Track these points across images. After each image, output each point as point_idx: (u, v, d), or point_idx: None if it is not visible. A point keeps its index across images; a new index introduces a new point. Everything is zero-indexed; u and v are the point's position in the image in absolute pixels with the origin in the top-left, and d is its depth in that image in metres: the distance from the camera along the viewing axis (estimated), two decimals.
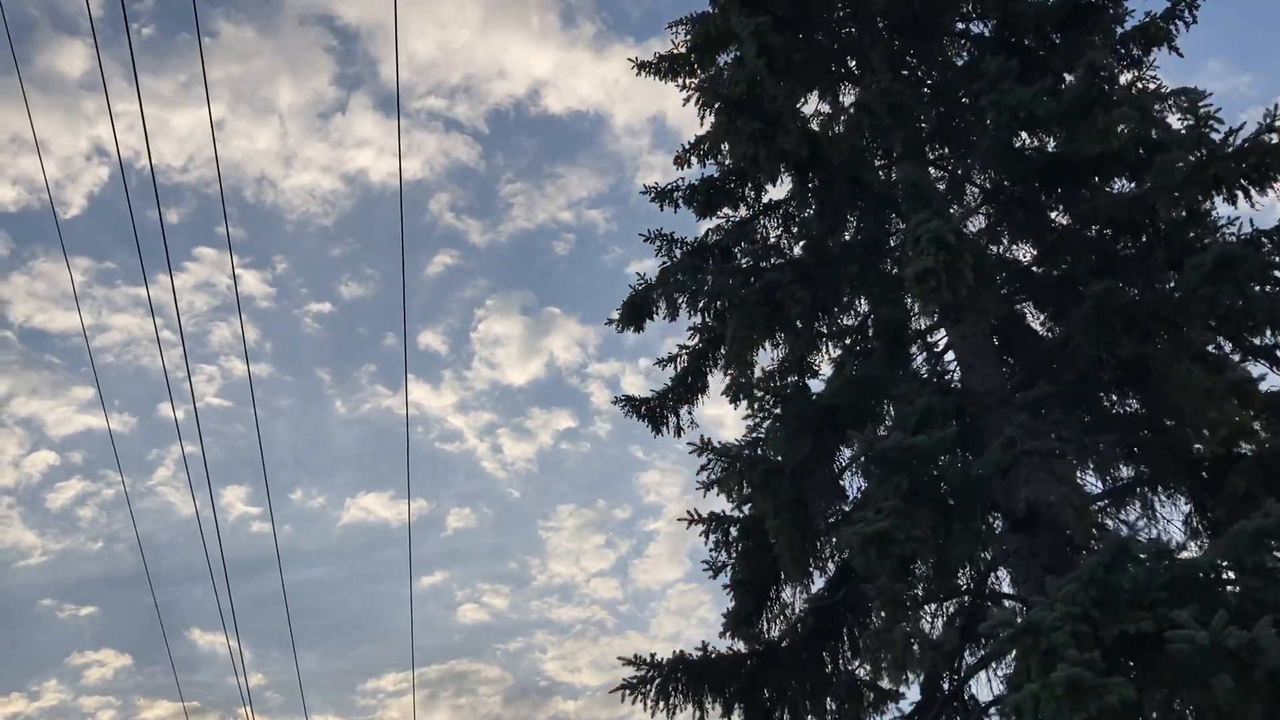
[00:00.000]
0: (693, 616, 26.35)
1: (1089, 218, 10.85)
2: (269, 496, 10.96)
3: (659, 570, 26.85)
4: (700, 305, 10.80)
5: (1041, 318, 11.18)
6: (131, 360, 25.00)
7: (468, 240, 27.33)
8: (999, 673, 9.42)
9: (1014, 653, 7.04)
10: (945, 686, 10.11)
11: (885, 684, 12.50)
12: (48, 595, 24.72)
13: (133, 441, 24.92)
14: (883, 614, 8.39)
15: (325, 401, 27.15)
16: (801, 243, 11.81)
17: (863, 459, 8.65)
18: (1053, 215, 11.81)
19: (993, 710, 9.57)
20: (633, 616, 26.76)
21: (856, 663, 12.02)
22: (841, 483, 10.31)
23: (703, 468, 10.07)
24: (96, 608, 25.04)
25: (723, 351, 13.95)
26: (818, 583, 12.32)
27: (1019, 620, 6.96)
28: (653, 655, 10.75)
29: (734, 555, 12.27)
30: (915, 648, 7.96)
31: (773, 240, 12.54)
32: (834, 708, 12.05)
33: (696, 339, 13.82)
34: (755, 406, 10.00)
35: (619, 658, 10.82)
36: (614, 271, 27.92)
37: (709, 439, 10.04)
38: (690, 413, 14.10)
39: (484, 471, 27.00)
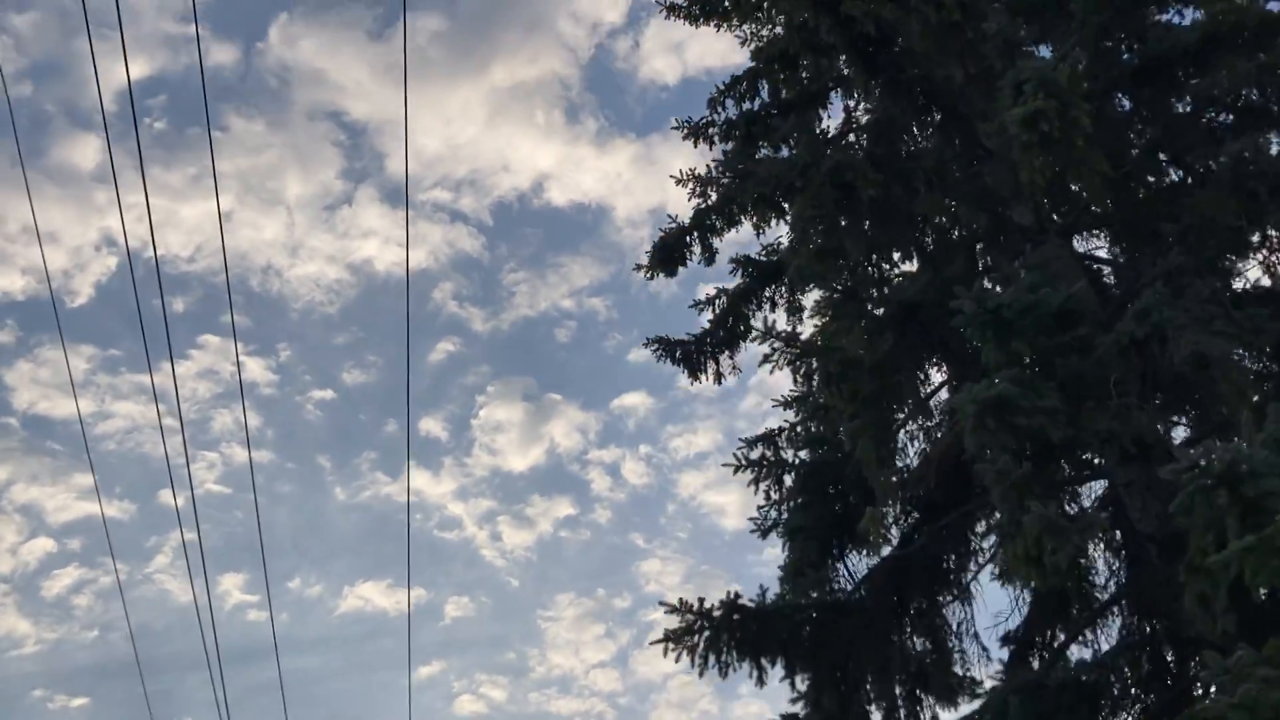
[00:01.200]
0: (694, 709, 25.26)
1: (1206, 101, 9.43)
2: (267, 583, 10.04)
3: (660, 661, 23.78)
4: (753, 199, 9.22)
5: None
6: (134, 447, 24.62)
7: (470, 328, 27.29)
8: None
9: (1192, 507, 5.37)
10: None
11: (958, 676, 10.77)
12: (39, 685, 24.01)
13: (132, 528, 24.40)
14: (1002, 506, 6.69)
15: (325, 488, 26.89)
16: (867, 134, 10.30)
17: (973, 318, 7.04)
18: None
19: None
20: (632, 709, 25.49)
21: (922, 643, 10.27)
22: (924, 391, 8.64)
23: (767, 358, 8.42)
24: (89, 699, 24.06)
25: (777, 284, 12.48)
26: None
27: (1213, 462, 5.29)
28: (701, 600, 8.97)
29: (788, 504, 10.59)
30: (1052, 538, 6.25)
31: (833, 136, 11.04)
32: (902, 693, 10.26)
33: (740, 277, 12.31)
34: (826, 301, 8.38)
35: (660, 603, 9.04)
36: (615, 358, 27.54)
37: (773, 323, 8.42)
38: (732, 358, 12.52)
39: (483, 560, 26.51)
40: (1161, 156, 10.00)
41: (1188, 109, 9.81)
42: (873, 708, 9.07)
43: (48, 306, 22.62)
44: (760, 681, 9.31)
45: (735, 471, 10.65)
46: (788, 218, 9.57)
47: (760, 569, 27.28)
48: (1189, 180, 9.69)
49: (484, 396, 27.59)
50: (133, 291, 6.73)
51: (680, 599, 9.00)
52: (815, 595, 9.13)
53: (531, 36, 27.26)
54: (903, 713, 9.54)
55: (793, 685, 9.21)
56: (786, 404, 12.09)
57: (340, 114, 26.49)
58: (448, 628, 26.04)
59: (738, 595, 9.03)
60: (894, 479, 8.35)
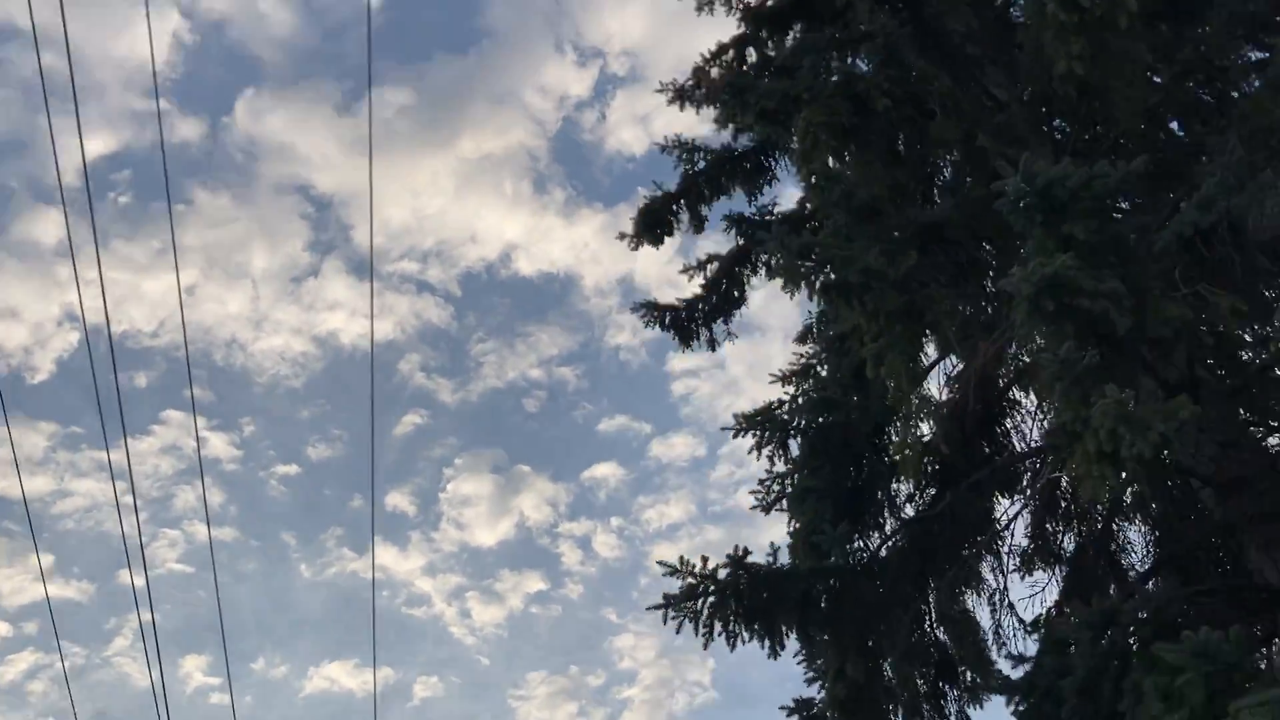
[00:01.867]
0: None
1: None
2: (228, 665, 9.39)
3: None
4: (755, 113, 8.32)
5: None
6: (93, 526, 24.03)
7: (438, 399, 26.69)
8: None
9: None
10: None
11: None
12: None
13: (91, 610, 23.87)
14: (1064, 402, 5.73)
15: (290, 566, 26.07)
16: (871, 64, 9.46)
17: (1019, 199, 6.12)
18: None
19: None
20: None
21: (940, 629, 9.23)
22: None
23: (776, 273, 7.43)
24: None
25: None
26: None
27: None
28: (705, 560, 7.89)
29: (795, 476, 9.56)
30: (1130, 428, 5.28)
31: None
32: (927, 674, 9.19)
33: (735, 237, 11.40)
34: (840, 223, 7.47)
35: (659, 562, 7.96)
36: (585, 429, 27.07)
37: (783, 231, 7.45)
38: (727, 324, 11.57)
39: (452, 637, 25.61)
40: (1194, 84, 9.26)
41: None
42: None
43: (6, 383, 21.78)
44: (774, 652, 8.23)
45: (735, 435, 9.61)
46: (793, 142, 8.68)
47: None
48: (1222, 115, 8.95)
49: (452, 469, 27.09)
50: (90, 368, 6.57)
51: (680, 558, 7.94)
52: (833, 559, 8.07)
53: (499, 109, 27.53)
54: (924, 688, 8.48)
55: (809, 658, 8.14)
56: (785, 379, 11.14)
57: (307, 187, 26.45)
58: (417, 709, 25.22)
59: (746, 552, 7.97)
60: (926, 403, 7.34)
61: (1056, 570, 9.81)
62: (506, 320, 27.64)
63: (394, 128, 24.54)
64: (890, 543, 8.66)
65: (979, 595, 9.14)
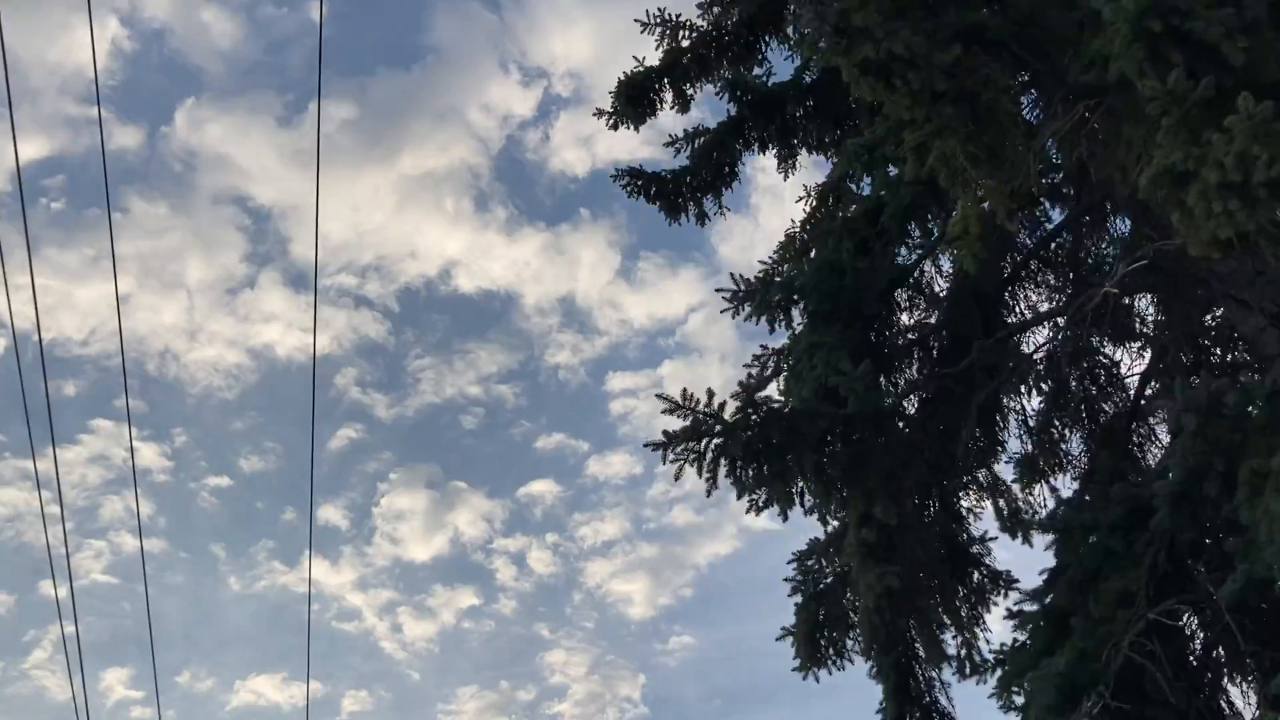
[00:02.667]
0: None
1: None
2: (155, 676, 9.39)
3: None
4: None
5: None
6: (14, 536, 23.52)
7: (373, 414, 26.48)
8: None
9: None
10: None
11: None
12: None
13: (10, 621, 23.63)
14: (1172, 141, 4.82)
15: (220, 578, 25.89)
16: None
17: None
18: None
19: None
20: None
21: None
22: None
23: (803, 38, 6.43)
24: None
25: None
26: None
27: None
28: (710, 394, 6.88)
29: (796, 342, 8.58)
30: (1267, 144, 4.38)
31: None
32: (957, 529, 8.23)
33: (729, 102, 10.42)
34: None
35: (658, 395, 6.92)
36: (522, 446, 27.09)
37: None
38: (718, 200, 10.59)
39: (383, 652, 25.50)
40: None
41: None
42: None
43: None
44: (784, 513, 7.25)
45: (732, 300, 8.57)
46: None
47: (666, 658, 26.14)
48: None
49: (386, 484, 26.73)
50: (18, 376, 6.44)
51: (684, 390, 6.93)
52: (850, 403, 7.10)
53: (441, 126, 27.20)
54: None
55: (823, 508, 7.14)
56: (785, 250, 10.23)
57: (245, 198, 25.91)
58: None
59: (758, 385, 6.99)
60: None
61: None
62: (445, 337, 27.51)
63: (336, 141, 24.05)
64: (913, 395, 7.72)
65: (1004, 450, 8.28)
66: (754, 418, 6.80)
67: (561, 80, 25.75)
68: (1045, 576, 6.75)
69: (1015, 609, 6.15)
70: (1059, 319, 8.14)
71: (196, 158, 25.55)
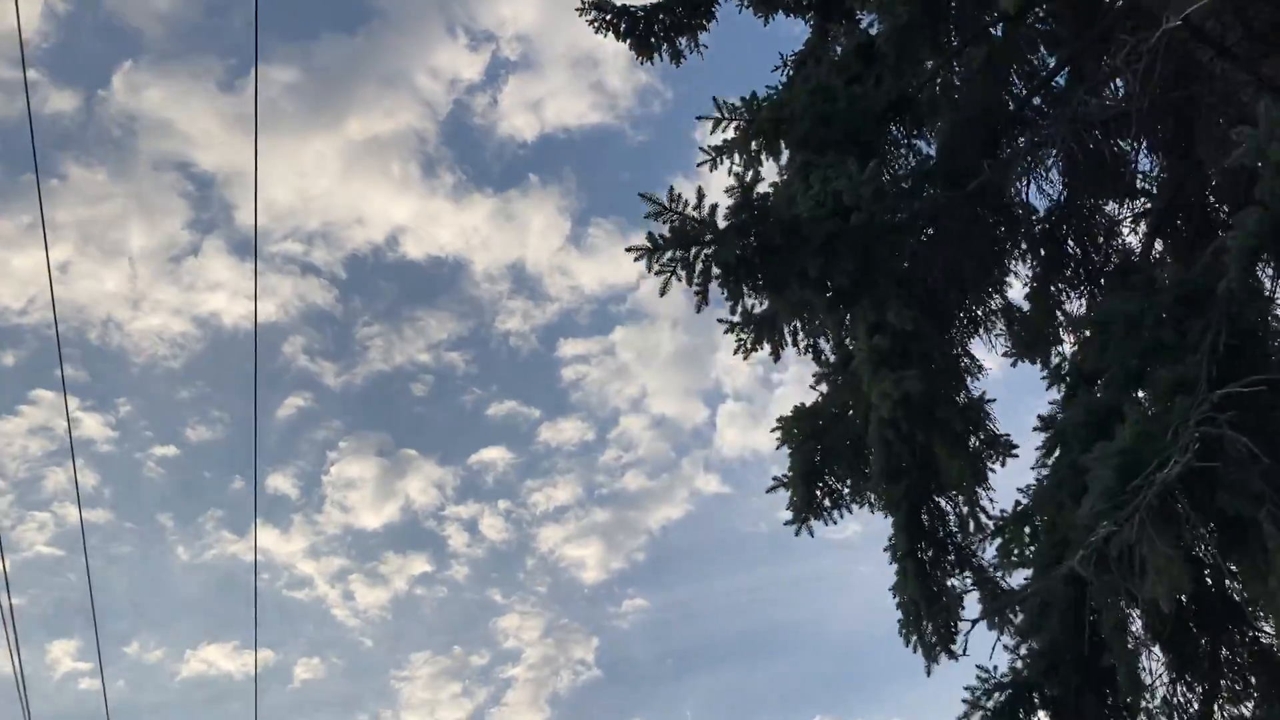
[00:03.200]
0: None
1: None
2: (99, 648, 9.04)
3: (518, 718, 25.56)
4: None
5: None
6: None
7: (322, 382, 26.15)
8: None
9: None
10: None
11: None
12: None
13: None
14: None
15: (167, 548, 25.63)
16: None
17: None
18: None
19: None
20: None
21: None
22: None
23: None
24: None
25: None
26: None
27: None
28: (700, 195, 6.06)
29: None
30: None
31: None
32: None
33: None
34: None
35: (641, 195, 6.09)
36: (474, 413, 26.83)
37: None
38: (694, 40, 9.72)
39: (334, 619, 25.60)
40: None
41: None
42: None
43: None
44: (775, 354, 6.51)
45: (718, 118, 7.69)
46: None
47: (619, 621, 26.23)
48: None
49: (336, 453, 26.58)
50: None
51: (671, 189, 6.10)
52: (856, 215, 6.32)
53: (388, 91, 26.39)
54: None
55: (829, 329, 6.40)
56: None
57: (188, 164, 25.31)
58: (297, 690, 24.93)
59: (753, 181, 6.20)
60: None
61: None
62: (394, 304, 27.21)
63: (279, 106, 23.33)
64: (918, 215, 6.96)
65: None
66: (751, 220, 6.01)
67: (509, 44, 25.39)
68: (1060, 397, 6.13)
69: (1048, 414, 5.46)
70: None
71: (136, 122, 24.83)
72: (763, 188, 7.61)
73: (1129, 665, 5.01)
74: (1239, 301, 4.73)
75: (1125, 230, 9.24)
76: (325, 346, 25.84)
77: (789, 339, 7.33)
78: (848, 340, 6.46)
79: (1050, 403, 6.51)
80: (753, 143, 7.85)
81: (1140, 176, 9.42)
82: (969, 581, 6.58)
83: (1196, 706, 5.99)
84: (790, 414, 7.50)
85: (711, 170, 7.91)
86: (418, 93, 25.88)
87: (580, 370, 26.25)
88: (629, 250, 5.98)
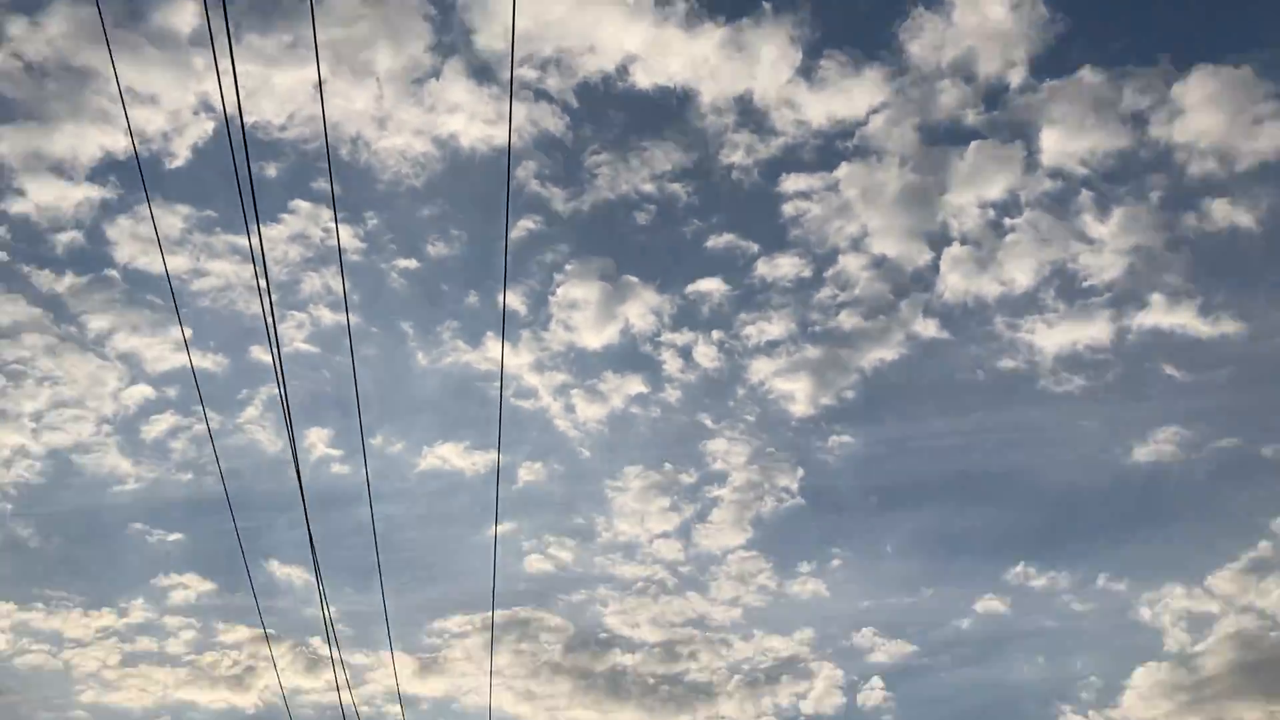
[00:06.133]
0: (752, 583, 26.65)
1: None
2: (362, 433, 10.26)
3: (721, 536, 27.10)
4: None
5: None
6: (227, 305, 26.55)
7: (551, 207, 27.75)
8: None
9: None
10: None
11: None
12: (139, 519, 26.76)
13: (225, 381, 27.00)
14: None
15: (408, 353, 28.23)
16: None
17: None
18: None
19: None
20: (693, 579, 26.88)
21: None
22: None
23: None
24: (183, 534, 27.03)
25: None
26: None
27: None
28: None
29: None
30: None
31: None
32: None
33: None
34: None
35: None
36: (693, 244, 27.91)
37: None
38: None
39: (556, 429, 27.98)
40: None
41: None
42: None
43: (148, 166, 24.14)
44: None
45: None
46: None
47: (825, 455, 27.43)
48: None
49: (562, 275, 28.28)
50: (230, 155, 6.81)
51: None
52: None
53: None
54: None
55: None
56: None
57: None
58: (520, 490, 27.67)
59: None
60: None
61: None
62: (622, 134, 28.20)
63: None
64: None
65: None
66: None
67: None
68: None
69: None
70: None
71: None
72: None
73: None
74: None
75: None
76: (555, 172, 27.42)
77: None
78: None
79: None
80: None
81: None
82: None
83: None
84: None
85: None
86: None
87: (801, 206, 26.91)
88: None
